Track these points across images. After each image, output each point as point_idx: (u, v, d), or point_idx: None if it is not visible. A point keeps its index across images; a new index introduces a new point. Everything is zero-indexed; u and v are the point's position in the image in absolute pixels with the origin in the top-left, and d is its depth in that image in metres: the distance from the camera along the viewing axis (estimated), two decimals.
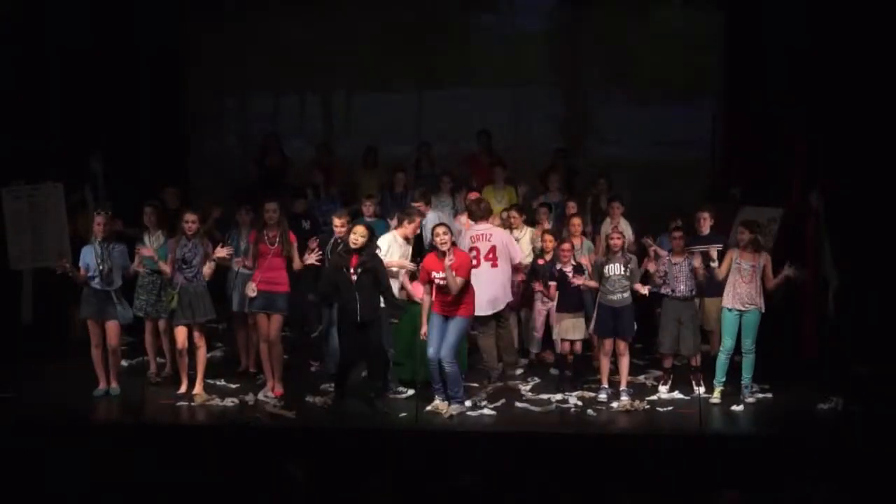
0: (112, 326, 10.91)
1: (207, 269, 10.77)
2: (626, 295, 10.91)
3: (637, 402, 10.75)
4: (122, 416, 10.70)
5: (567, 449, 9.88)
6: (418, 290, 10.98)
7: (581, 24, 15.86)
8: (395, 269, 10.97)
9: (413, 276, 11.17)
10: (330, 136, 15.85)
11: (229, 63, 15.67)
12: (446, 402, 10.56)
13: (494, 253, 11.24)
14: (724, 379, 10.78)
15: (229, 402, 10.85)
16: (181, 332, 10.82)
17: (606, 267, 10.93)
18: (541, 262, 11.60)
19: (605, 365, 11.02)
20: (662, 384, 11.16)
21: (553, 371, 11.68)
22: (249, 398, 10.91)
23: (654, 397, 10.98)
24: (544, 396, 10.99)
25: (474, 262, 11.07)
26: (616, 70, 15.69)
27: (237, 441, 10.08)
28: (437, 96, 15.92)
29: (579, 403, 10.84)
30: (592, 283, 11.08)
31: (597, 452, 9.84)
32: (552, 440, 10.04)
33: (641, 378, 11.55)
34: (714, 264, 10.80)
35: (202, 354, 10.92)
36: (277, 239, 10.92)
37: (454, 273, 10.31)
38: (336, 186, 13.89)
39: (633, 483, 9.35)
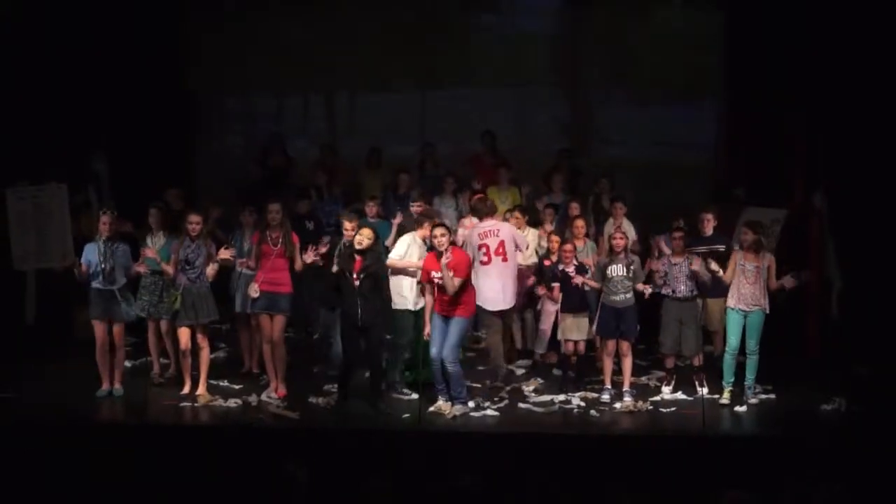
0: (117, 327, 10.94)
1: (211, 270, 10.78)
2: (629, 295, 10.92)
3: (640, 403, 10.76)
4: (125, 417, 10.72)
5: (570, 450, 9.89)
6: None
7: (582, 24, 15.85)
8: (412, 269, 10.96)
9: None
10: (333, 136, 15.86)
11: (231, 63, 15.66)
12: (449, 403, 10.57)
13: (504, 248, 11.28)
14: (732, 380, 10.79)
15: (232, 402, 10.86)
16: (184, 333, 10.83)
17: (609, 267, 10.94)
18: (547, 263, 11.61)
19: (607, 365, 11.03)
20: (665, 385, 11.17)
21: (556, 372, 11.69)
22: (252, 399, 10.92)
23: (657, 398, 10.99)
24: (547, 397, 11.00)
25: (484, 258, 11.16)
26: (617, 70, 15.69)
27: (240, 442, 10.09)
28: (439, 97, 15.92)
29: (582, 404, 10.86)
30: (592, 283, 11.09)
31: (600, 453, 9.86)
32: (555, 441, 10.06)
33: (644, 379, 11.55)
34: (715, 268, 10.78)
35: (205, 355, 10.93)
36: (280, 240, 10.93)
37: (451, 273, 10.31)
38: (339, 187, 13.90)
39: (636, 484, 9.36)
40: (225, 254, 10.82)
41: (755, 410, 10.69)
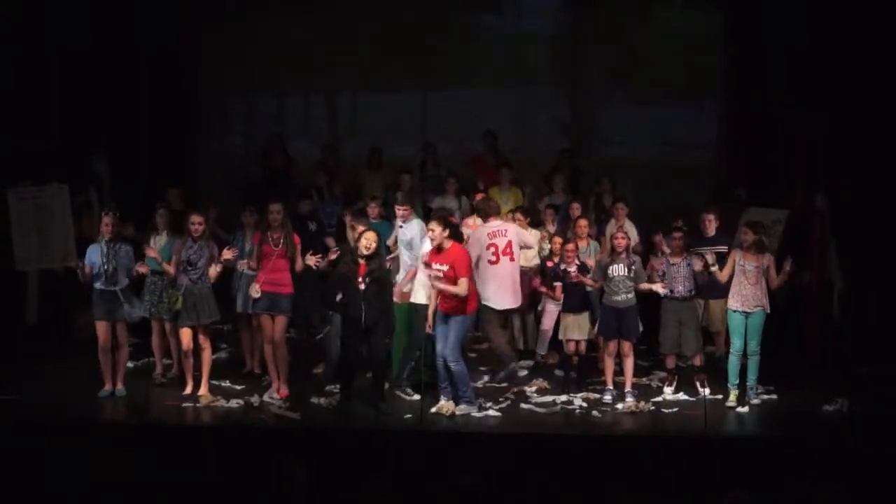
0: (120, 327, 10.94)
1: (213, 271, 10.78)
2: (631, 296, 10.92)
3: (642, 404, 10.76)
4: (127, 418, 10.70)
5: (572, 450, 9.89)
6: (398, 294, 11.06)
7: (583, 24, 15.86)
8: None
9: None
10: (334, 136, 15.87)
11: (232, 63, 15.66)
12: (451, 402, 10.57)
13: (511, 247, 11.36)
14: (737, 381, 10.78)
15: (234, 403, 10.86)
16: (186, 334, 10.84)
17: (610, 267, 10.94)
18: (549, 263, 11.63)
19: (609, 366, 11.03)
20: (667, 385, 11.17)
21: (557, 372, 11.70)
22: (254, 399, 10.91)
23: (658, 399, 10.99)
24: (549, 398, 11.00)
25: (493, 258, 11.21)
26: (618, 70, 15.70)
27: (242, 442, 10.08)
28: (440, 97, 15.93)
29: (584, 405, 10.85)
30: (589, 280, 11.08)
31: (601, 454, 9.84)
32: (557, 441, 10.05)
33: (646, 379, 11.55)
34: (714, 268, 10.79)
35: (207, 356, 10.93)
36: (281, 240, 10.93)
37: (440, 274, 10.31)
38: (340, 187, 13.90)
39: (638, 484, 9.36)
40: (228, 254, 10.83)
41: (757, 411, 10.69)
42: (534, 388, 11.29)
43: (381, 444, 10.03)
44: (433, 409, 10.55)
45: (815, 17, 13.46)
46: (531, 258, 11.98)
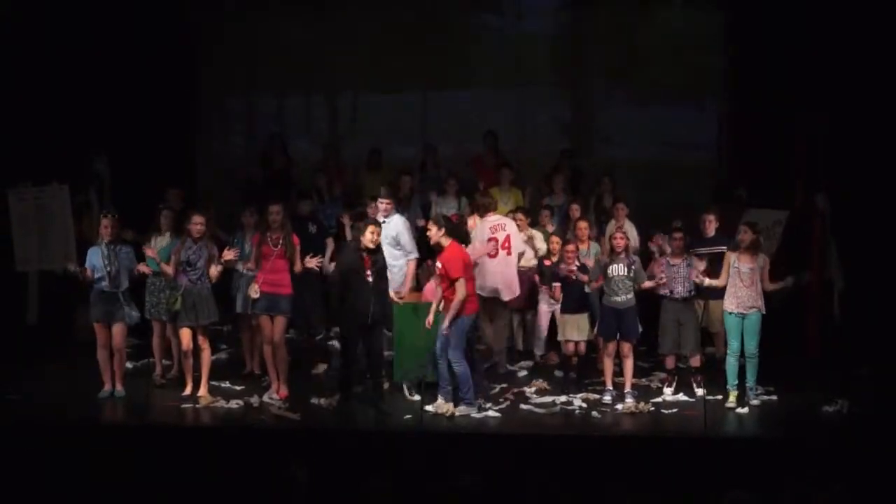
0: (119, 328, 10.94)
1: (214, 270, 10.79)
2: (630, 296, 10.92)
3: (642, 404, 10.75)
4: (127, 418, 10.71)
5: (571, 451, 9.88)
6: (430, 293, 11.05)
7: (583, 24, 15.86)
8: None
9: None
10: (334, 137, 15.87)
11: (233, 64, 15.69)
12: (450, 403, 10.57)
13: (510, 242, 11.46)
14: (735, 382, 10.77)
15: (234, 403, 10.85)
16: (185, 335, 10.84)
17: (610, 268, 10.93)
18: (547, 263, 11.63)
19: (608, 367, 11.02)
20: (667, 386, 11.17)
21: (557, 373, 11.70)
22: (254, 400, 10.91)
23: (658, 399, 10.99)
24: (549, 398, 11.00)
25: (492, 251, 11.28)
26: (618, 71, 15.69)
27: (241, 443, 10.08)
28: (440, 97, 15.92)
29: (584, 405, 10.85)
30: (584, 277, 11.07)
31: (601, 454, 9.84)
32: (556, 442, 10.04)
33: (646, 380, 11.55)
34: (710, 283, 10.80)
35: (206, 356, 10.93)
36: (281, 241, 10.93)
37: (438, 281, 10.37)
38: (340, 189, 13.90)
39: (638, 485, 9.36)
40: (229, 255, 10.84)
41: (756, 412, 10.68)
42: (533, 389, 11.29)
43: (381, 445, 10.04)
44: (430, 407, 10.55)
45: (816, 16, 13.46)
46: (530, 258, 11.98)
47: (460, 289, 10.33)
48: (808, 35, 13.58)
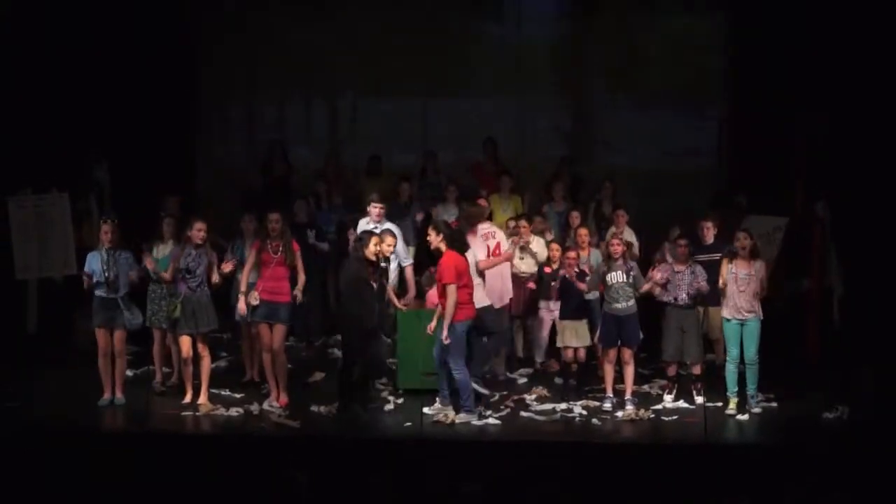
0: (119, 334, 10.94)
1: (216, 278, 10.78)
2: (631, 303, 10.89)
3: (642, 411, 10.74)
4: (127, 426, 10.70)
5: (572, 458, 9.87)
6: (433, 300, 11.06)
7: (583, 31, 15.88)
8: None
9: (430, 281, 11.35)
10: (334, 143, 15.87)
11: (233, 70, 15.71)
12: (448, 406, 10.59)
13: (500, 249, 11.49)
14: (735, 389, 10.75)
15: (234, 411, 10.84)
16: (185, 342, 10.83)
17: (608, 275, 10.91)
18: (547, 270, 11.63)
19: (608, 374, 11.00)
20: (667, 393, 11.16)
21: (557, 380, 11.69)
22: (254, 408, 10.90)
23: (658, 406, 10.98)
24: (549, 406, 10.99)
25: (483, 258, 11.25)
26: (619, 77, 15.71)
27: (242, 451, 10.07)
28: (441, 104, 15.93)
29: (584, 412, 10.84)
30: (582, 285, 11.05)
31: (602, 462, 9.83)
32: (557, 449, 10.04)
33: (646, 387, 11.54)
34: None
35: (206, 364, 10.91)
36: (280, 248, 10.92)
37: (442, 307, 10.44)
38: (340, 195, 13.90)
39: (639, 492, 9.36)
40: (227, 266, 10.85)
41: (757, 418, 10.67)
42: (533, 396, 11.27)
43: (382, 452, 10.02)
44: (428, 410, 10.56)
45: (817, 22, 13.48)
46: (531, 264, 11.97)
47: (451, 294, 10.33)
48: (808, 41, 13.60)
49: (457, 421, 10.46)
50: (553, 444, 10.14)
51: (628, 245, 11.42)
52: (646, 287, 10.91)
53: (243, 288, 10.90)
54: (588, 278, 11.17)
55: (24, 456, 9.89)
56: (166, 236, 11.42)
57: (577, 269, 11.33)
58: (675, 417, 10.73)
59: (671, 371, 11.15)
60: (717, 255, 11.24)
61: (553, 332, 11.79)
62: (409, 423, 10.49)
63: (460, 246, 10.70)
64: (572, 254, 11.42)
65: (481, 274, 11.05)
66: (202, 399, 10.87)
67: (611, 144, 15.85)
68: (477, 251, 11.18)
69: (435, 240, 10.55)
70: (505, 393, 11.35)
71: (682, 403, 11.00)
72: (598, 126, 16.00)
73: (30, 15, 13.00)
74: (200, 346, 10.85)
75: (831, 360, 11.98)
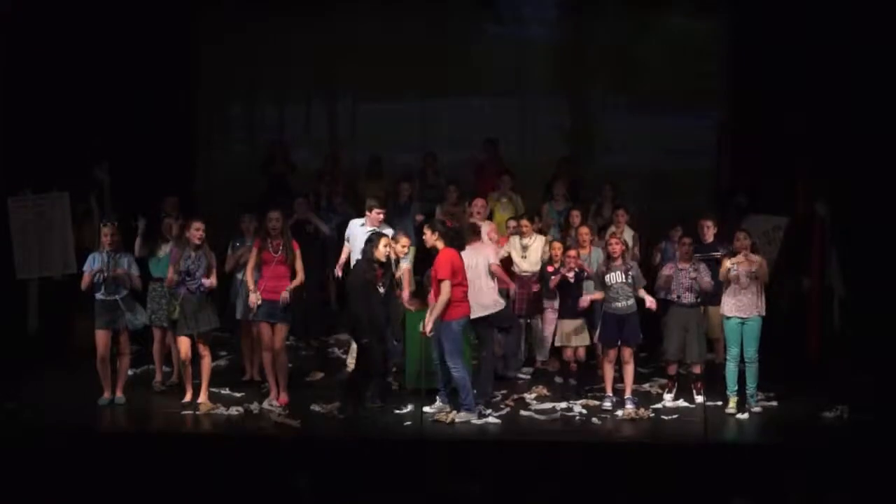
0: (122, 336, 10.96)
1: (213, 281, 10.78)
2: (631, 302, 10.89)
3: (642, 411, 10.75)
4: (127, 425, 10.71)
5: (572, 457, 9.87)
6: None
7: (584, 32, 15.90)
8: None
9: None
10: (334, 145, 15.88)
11: (233, 72, 15.73)
12: (447, 405, 10.60)
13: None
14: (735, 388, 10.75)
15: (234, 410, 10.84)
16: (184, 343, 10.82)
17: (607, 275, 10.91)
18: (550, 269, 11.64)
19: (608, 373, 11.00)
20: (667, 392, 11.16)
21: (557, 379, 11.69)
22: (254, 407, 10.90)
23: (658, 405, 10.98)
24: (549, 405, 10.99)
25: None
26: (619, 79, 15.73)
27: (241, 450, 10.06)
28: (441, 105, 15.93)
29: (584, 412, 10.84)
30: (584, 301, 11.07)
31: (601, 461, 9.83)
32: (556, 448, 10.03)
33: (646, 386, 11.55)
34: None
35: (206, 364, 10.91)
36: (281, 247, 10.93)
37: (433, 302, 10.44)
38: (339, 197, 13.90)
39: (639, 491, 9.37)
40: (211, 281, 10.83)
41: (757, 418, 10.67)
42: (534, 395, 11.28)
43: (382, 452, 10.01)
44: (429, 409, 10.56)
45: (816, 25, 13.48)
46: (534, 263, 11.98)
47: (444, 290, 10.33)
48: (808, 43, 13.60)
49: (457, 420, 10.46)
50: (553, 443, 10.13)
51: (625, 244, 11.40)
52: (641, 294, 10.89)
53: (251, 286, 10.88)
54: (587, 276, 11.17)
55: (24, 456, 9.87)
56: (166, 236, 11.43)
57: (575, 269, 11.32)
58: (674, 417, 10.73)
59: (671, 370, 11.15)
60: (715, 255, 11.26)
61: (554, 331, 11.80)
62: (409, 423, 10.49)
63: (458, 244, 10.71)
64: (573, 252, 11.43)
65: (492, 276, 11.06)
66: (202, 398, 10.87)
67: (611, 145, 15.87)
68: (490, 255, 11.17)
69: (431, 238, 10.55)
70: (505, 392, 11.36)
71: (681, 402, 11.00)
72: (598, 126, 16.02)
73: (30, 15, 13.00)
74: (201, 346, 10.85)
75: (831, 359, 11.98)
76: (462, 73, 15.84)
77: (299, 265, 10.94)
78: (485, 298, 10.93)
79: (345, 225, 12.63)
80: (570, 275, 11.30)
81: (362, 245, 11.20)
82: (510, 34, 15.99)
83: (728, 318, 10.72)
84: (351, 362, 11.49)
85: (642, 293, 10.89)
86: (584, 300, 11.11)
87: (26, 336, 12.50)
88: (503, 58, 15.79)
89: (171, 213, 11.79)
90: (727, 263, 10.68)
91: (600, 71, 15.83)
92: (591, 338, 11.30)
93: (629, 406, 10.79)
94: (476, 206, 12.25)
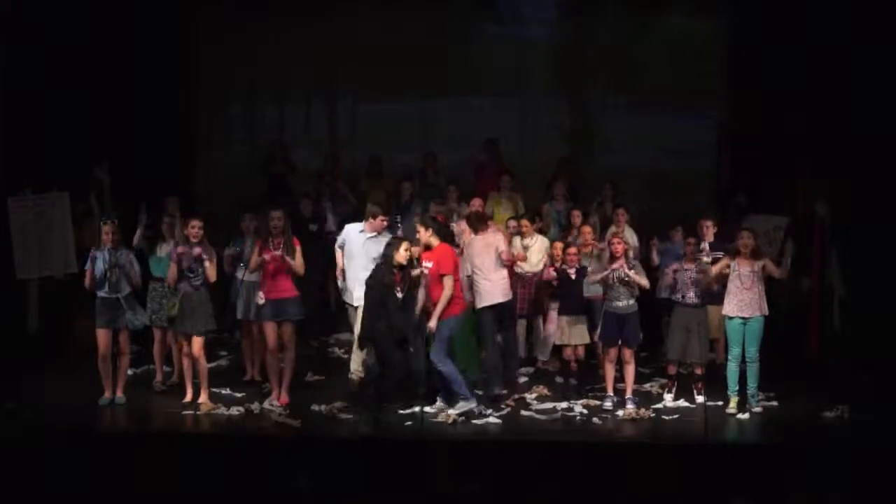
0: (122, 335, 10.96)
1: (211, 271, 10.79)
2: (632, 302, 10.89)
3: (642, 411, 10.75)
4: (128, 425, 10.71)
5: (572, 457, 9.88)
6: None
7: (584, 32, 15.91)
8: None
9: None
10: (335, 145, 15.88)
11: (233, 72, 15.74)
12: (446, 404, 10.61)
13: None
14: (736, 388, 10.75)
15: (234, 410, 10.84)
16: (197, 342, 10.79)
17: (609, 274, 10.92)
18: (552, 268, 11.64)
19: (609, 373, 11.00)
20: (667, 392, 11.16)
21: (558, 379, 11.70)
22: (255, 407, 10.90)
23: (659, 405, 10.98)
24: (549, 405, 10.99)
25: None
26: (620, 79, 15.74)
27: (242, 450, 10.06)
28: (441, 105, 15.94)
29: (584, 411, 10.85)
30: (593, 276, 11.07)
31: (602, 461, 9.83)
32: (557, 448, 10.03)
33: (647, 386, 11.54)
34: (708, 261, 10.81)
35: (203, 364, 10.90)
36: (282, 247, 10.92)
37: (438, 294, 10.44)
38: (339, 196, 13.90)
39: (640, 491, 9.37)
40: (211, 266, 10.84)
41: (757, 418, 10.67)
42: (534, 395, 11.27)
43: (382, 452, 10.02)
44: (429, 410, 10.57)
45: (816, 25, 13.49)
46: (535, 263, 11.98)
47: (448, 285, 10.36)
48: (808, 42, 13.61)
49: (455, 412, 10.44)
50: (553, 443, 10.14)
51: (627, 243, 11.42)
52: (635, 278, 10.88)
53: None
54: (591, 269, 11.18)
55: (24, 456, 9.87)
56: (167, 236, 11.44)
57: (577, 266, 11.34)
58: (675, 416, 10.73)
59: (671, 370, 11.15)
60: (715, 254, 11.26)
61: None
62: (409, 423, 10.49)
63: (450, 240, 10.74)
64: (573, 249, 11.44)
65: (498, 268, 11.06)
66: (203, 398, 10.87)
67: (611, 145, 15.88)
68: (500, 244, 11.17)
69: (424, 235, 10.58)
70: (505, 392, 11.35)
71: (682, 402, 11.00)
72: (598, 126, 16.03)
73: (30, 15, 13.00)
74: (196, 348, 10.82)
75: (831, 359, 11.98)
76: (462, 73, 15.84)
77: (299, 260, 10.90)
78: (494, 287, 10.96)
79: (345, 224, 12.64)
80: (572, 271, 11.30)
81: (359, 250, 11.21)
82: (510, 34, 15.99)
83: (731, 318, 10.71)
84: (355, 368, 11.49)
85: (638, 277, 10.82)
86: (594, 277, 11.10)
87: (26, 336, 12.49)
88: (503, 58, 15.79)
89: (173, 213, 11.80)
90: (722, 264, 10.69)
91: (600, 71, 15.84)
92: (592, 337, 11.30)
93: (630, 406, 10.79)
94: (474, 205, 12.28)
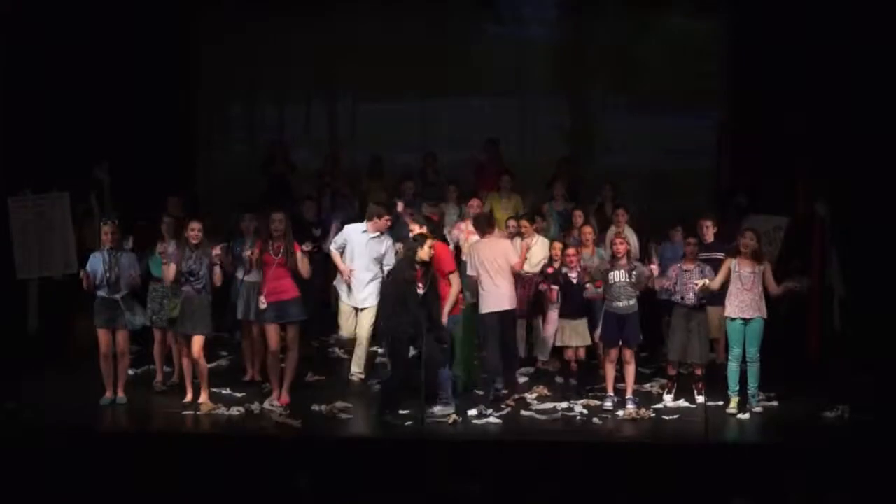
0: (121, 334, 10.95)
1: (217, 277, 10.78)
2: (632, 302, 10.89)
3: (643, 411, 10.75)
4: (128, 425, 10.71)
5: (572, 457, 9.88)
6: None
7: (584, 33, 15.92)
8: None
9: None
10: (335, 145, 15.89)
11: (234, 72, 15.75)
12: (449, 408, 10.61)
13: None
14: (737, 388, 10.74)
15: (235, 411, 10.84)
16: (197, 342, 10.79)
17: (610, 274, 10.92)
18: (550, 269, 11.64)
19: (610, 373, 11.00)
20: (667, 392, 11.16)
21: (558, 379, 11.70)
22: (255, 407, 10.90)
23: (659, 405, 10.98)
24: (549, 405, 10.99)
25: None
26: (620, 79, 15.75)
27: (242, 450, 10.06)
28: (441, 105, 15.95)
29: (585, 412, 10.85)
30: (591, 291, 11.07)
31: (602, 461, 9.83)
32: (557, 448, 10.03)
33: (647, 386, 11.55)
34: (710, 284, 10.80)
35: (203, 364, 10.90)
36: (282, 249, 10.91)
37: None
38: (339, 197, 13.91)
39: (640, 491, 9.37)
40: (215, 249, 10.80)
41: (758, 418, 10.67)
42: (534, 395, 11.27)
43: (382, 452, 10.02)
44: (429, 410, 10.55)
45: (816, 25, 13.50)
46: (535, 264, 11.98)
47: (455, 281, 10.37)
48: (808, 43, 13.61)
49: (435, 411, 10.42)
50: (554, 443, 10.14)
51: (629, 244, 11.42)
52: (646, 279, 10.88)
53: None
54: (592, 270, 11.17)
55: (24, 456, 9.87)
56: (167, 236, 11.44)
57: (578, 268, 11.34)
58: (675, 417, 10.74)
59: (671, 370, 11.16)
60: (715, 255, 11.27)
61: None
62: (409, 423, 10.50)
63: (441, 238, 10.77)
64: (572, 251, 11.43)
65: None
66: (203, 398, 10.87)
67: (611, 145, 15.88)
68: (509, 253, 11.18)
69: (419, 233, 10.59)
70: (505, 392, 11.35)
71: (682, 403, 11.00)
72: (598, 126, 16.04)
73: (30, 15, 13.00)
74: (196, 348, 10.82)
75: (831, 359, 11.99)
76: (462, 73, 15.85)
77: (305, 267, 10.89)
78: (503, 294, 11.02)
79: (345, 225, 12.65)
80: (574, 274, 11.30)
81: (362, 251, 11.19)
82: (510, 34, 16.00)
83: (732, 319, 10.71)
84: (356, 370, 11.49)
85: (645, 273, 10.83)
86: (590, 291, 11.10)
87: (26, 336, 12.50)
88: (503, 58, 15.81)
89: (174, 213, 11.80)
90: (726, 266, 10.69)
91: (600, 71, 15.85)
92: (592, 338, 11.30)
93: (630, 406, 10.79)
94: (472, 206, 12.29)
